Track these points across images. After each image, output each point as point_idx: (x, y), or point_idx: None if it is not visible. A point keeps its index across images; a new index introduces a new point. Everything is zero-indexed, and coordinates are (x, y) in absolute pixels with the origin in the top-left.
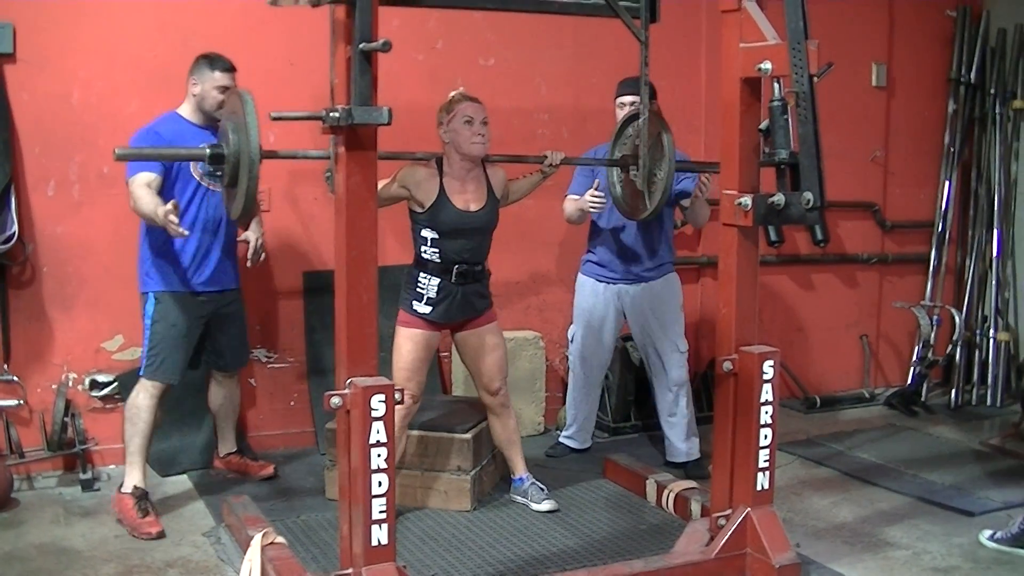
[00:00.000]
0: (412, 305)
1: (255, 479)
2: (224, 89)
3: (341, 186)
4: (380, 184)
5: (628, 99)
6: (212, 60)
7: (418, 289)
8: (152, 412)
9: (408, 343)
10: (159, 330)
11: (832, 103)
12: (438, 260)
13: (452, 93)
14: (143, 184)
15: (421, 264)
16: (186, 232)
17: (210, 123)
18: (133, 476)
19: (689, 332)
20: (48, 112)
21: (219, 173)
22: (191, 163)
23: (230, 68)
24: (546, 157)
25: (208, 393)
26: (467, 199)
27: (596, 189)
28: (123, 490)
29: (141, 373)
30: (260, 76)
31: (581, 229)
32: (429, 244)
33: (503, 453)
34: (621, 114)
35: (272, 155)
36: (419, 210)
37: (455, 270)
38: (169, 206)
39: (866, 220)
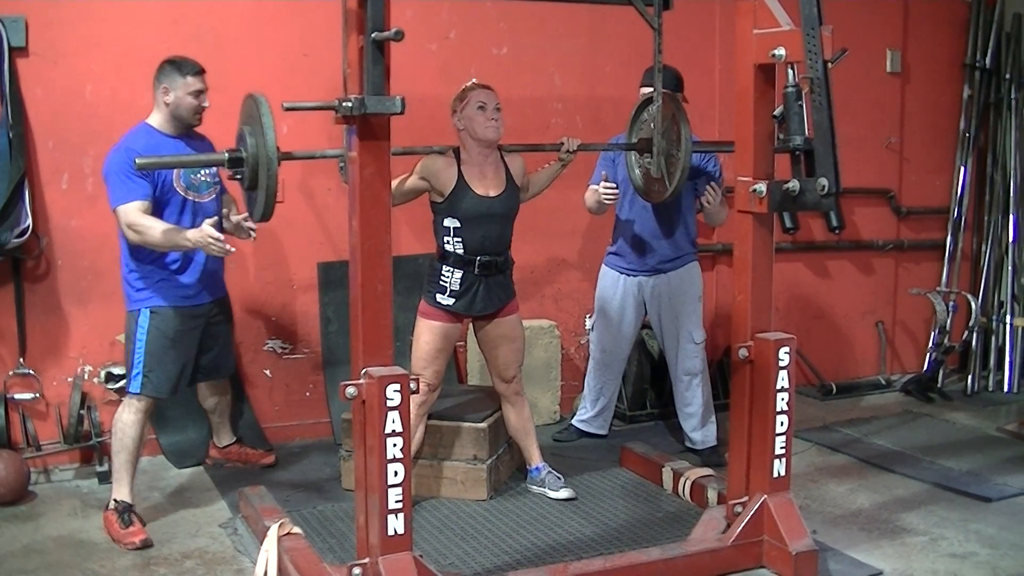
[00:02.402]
0: (435, 297)
1: (256, 468)
2: (199, 93)
3: (355, 176)
4: (397, 180)
5: (652, 90)
6: (180, 65)
7: (441, 282)
8: (139, 428)
9: (427, 333)
10: (153, 343)
11: (846, 89)
12: (461, 251)
13: (465, 84)
14: (139, 212)
15: (444, 257)
16: (234, 249)
17: (182, 132)
18: (118, 491)
19: (705, 320)
20: (62, 106)
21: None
22: (175, 179)
23: (201, 71)
24: (562, 144)
25: (199, 392)
26: (486, 184)
27: (606, 181)
28: (108, 507)
29: (131, 390)
30: (273, 68)
31: (597, 219)
32: (452, 234)
33: (518, 443)
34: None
35: (288, 156)
36: (439, 200)
37: (478, 261)
38: (209, 228)
39: (881, 206)
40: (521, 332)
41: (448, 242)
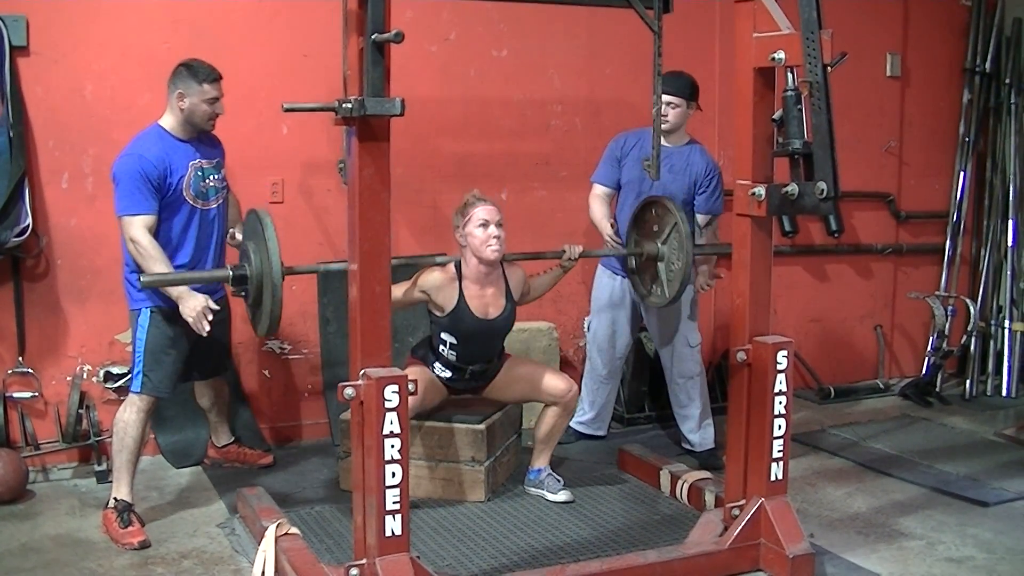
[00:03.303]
0: (428, 362)
1: (254, 468)
2: (214, 100)
3: (354, 177)
4: (400, 289)
5: (666, 98)
6: (196, 70)
7: (434, 367)
8: (140, 427)
9: (416, 372)
10: (153, 344)
11: (846, 93)
12: (454, 359)
13: (466, 196)
14: (143, 229)
15: (437, 355)
16: (208, 331)
17: (194, 136)
18: (118, 490)
19: (703, 323)
20: (62, 105)
21: (243, 294)
22: (184, 186)
23: (217, 77)
24: (564, 252)
25: (195, 392)
26: (486, 303)
27: (614, 235)
28: (108, 506)
29: (133, 389)
30: (273, 68)
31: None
32: (448, 347)
33: (536, 443)
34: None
35: (291, 271)
36: (439, 314)
37: (469, 369)
38: (201, 314)
39: (880, 210)
40: (522, 359)
41: (442, 349)
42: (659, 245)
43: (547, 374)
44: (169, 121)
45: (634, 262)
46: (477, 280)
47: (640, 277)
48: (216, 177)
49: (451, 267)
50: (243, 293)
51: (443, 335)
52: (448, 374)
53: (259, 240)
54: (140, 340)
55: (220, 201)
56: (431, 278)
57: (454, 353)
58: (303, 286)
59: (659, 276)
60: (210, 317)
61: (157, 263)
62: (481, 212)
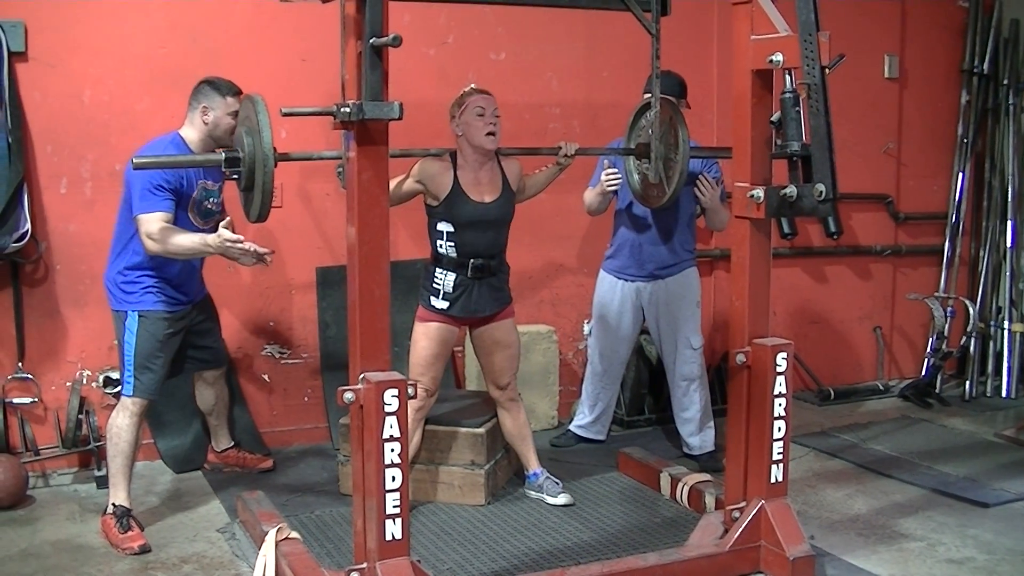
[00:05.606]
0: (430, 300)
1: (253, 472)
2: (236, 114)
3: (353, 181)
4: (394, 181)
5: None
6: (219, 86)
7: (435, 284)
8: (133, 431)
9: (424, 338)
10: (142, 348)
11: (844, 95)
12: (454, 254)
13: (463, 88)
14: (162, 222)
15: (437, 259)
16: (255, 247)
17: (211, 151)
18: (116, 496)
19: (703, 325)
20: (60, 110)
21: (235, 176)
22: (190, 202)
23: (239, 91)
24: (560, 148)
25: (196, 395)
26: (482, 190)
27: (609, 167)
28: (106, 512)
29: (124, 393)
30: (271, 73)
31: (594, 224)
32: (445, 238)
33: (515, 449)
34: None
35: (285, 157)
36: (434, 203)
37: (471, 264)
38: (226, 232)
39: (879, 212)
40: (516, 339)
41: (441, 245)
42: (657, 142)
43: (510, 358)
44: (190, 134)
45: (633, 163)
46: (473, 169)
47: (641, 180)
48: (214, 201)
49: (447, 157)
50: (236, 176)
51: (440, 226)
52: (451, 277)
53: (252, 123)
54: (129, 344)
55: (211, 226)
56: (427, 166)
57: (453, 245)
58: (302, 290)
59: (659, 174)
60: (235, 236)
61: (181, 239)
62: (478, 100)
